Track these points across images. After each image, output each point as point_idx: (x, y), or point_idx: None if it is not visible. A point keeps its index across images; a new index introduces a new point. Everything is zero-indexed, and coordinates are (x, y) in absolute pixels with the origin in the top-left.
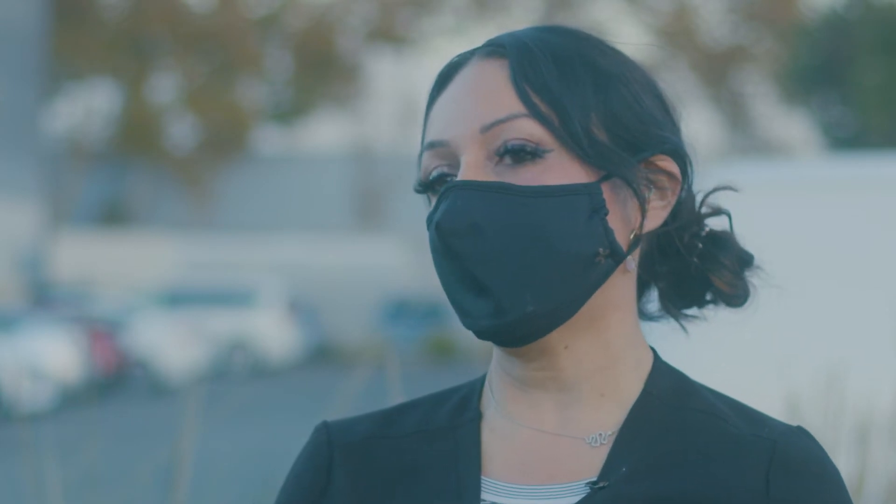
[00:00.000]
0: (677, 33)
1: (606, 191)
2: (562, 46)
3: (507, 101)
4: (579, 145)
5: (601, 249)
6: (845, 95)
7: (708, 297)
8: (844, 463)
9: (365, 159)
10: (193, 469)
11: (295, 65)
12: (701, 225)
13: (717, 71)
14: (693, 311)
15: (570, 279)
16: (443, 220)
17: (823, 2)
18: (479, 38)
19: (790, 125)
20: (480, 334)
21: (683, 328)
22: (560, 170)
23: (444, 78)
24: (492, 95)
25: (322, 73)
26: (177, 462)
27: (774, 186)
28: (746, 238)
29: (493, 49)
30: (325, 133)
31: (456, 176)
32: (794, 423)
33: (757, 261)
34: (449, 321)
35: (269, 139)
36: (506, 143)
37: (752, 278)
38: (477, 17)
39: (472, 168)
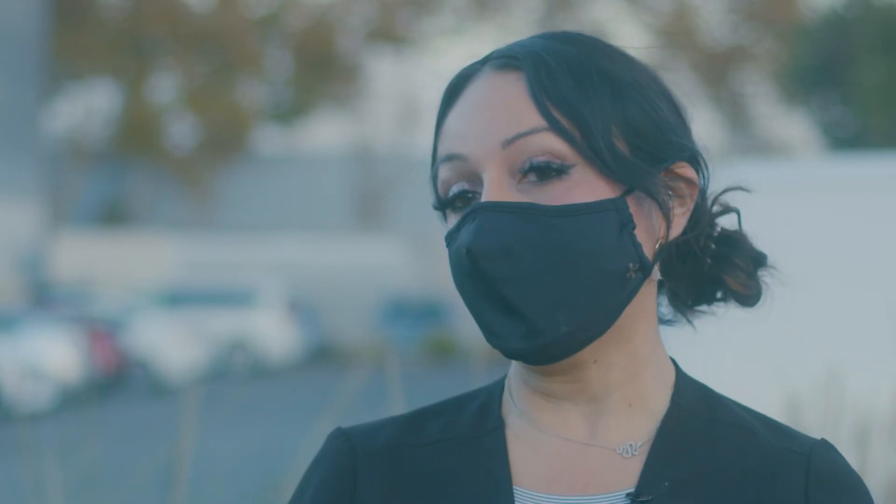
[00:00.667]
0: (677, 33)
1: (631, 204)
2: (576, 56)
3: (527, 115)
4: (603, 160)
5: (631, 264)
6: (845, 95)
7: (718, 294)
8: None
9: (365, 159)
10: (193, 469)
11: (295, 65)
12: (713, 225)
13: (717, 71)
14: (703, 307)
15: (603, 297)
16: (475, 243)
17: (823, 2)
18: (478, 38)
19: (790, 125)
20: (510, 354)
21: (692, 325)
22: (586, 186)
23: (455, 90)
24: (511, 109)
25: (322, 73)
26: (177, 462)
27: (774, 186)
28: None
29: (507, 61)
30: (325, 133)
31: (477, 192)
32: (796, 427)
33: (770, 260)
34: (448, 321)
35: (269, 139)
36: (531, 160)
37: (765, 277)
38: (477, 17)
39: (496, 187)
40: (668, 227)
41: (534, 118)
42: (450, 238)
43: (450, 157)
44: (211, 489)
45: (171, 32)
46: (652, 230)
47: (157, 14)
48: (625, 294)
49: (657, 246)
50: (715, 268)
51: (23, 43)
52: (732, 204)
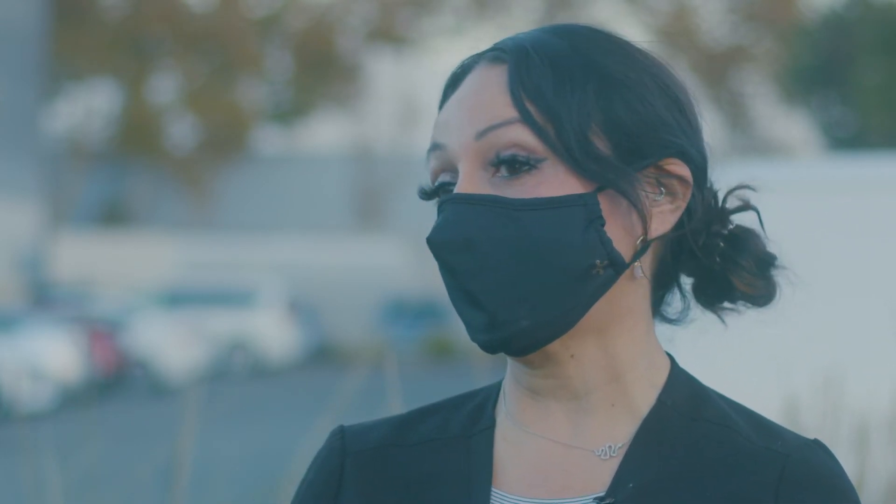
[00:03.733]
0: (677, 33)
1: (606, 200)
2: (563, 50)
3: (502, 107)
4: (572, 156)
5: (598, 261)
6: (845, 95)
7: (738, 293)
8: (843, 464)
9: (365, 159)
10: (193, 469)
11: (295, 65)
12: (724, 223)
13: (717, 71)
14: (726, 304)
15: (567, 292)
16: (434, 235)
17: (823, 2)
18: (479, 38)
19: (790, 125)
20: (481, 346)
21: (722, 320)
22: (555, 181)
23: (455, 80)
24: (488, 102)
25: (322, 73)
26: (177, 462)
27: (774, 186)
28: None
29: (497, 54)
30: (325, 133)
31: (455, 185)
32: (795, 427)
33: (780, 261)
34: (448, 321)
35: (269, 139)
36: (498, 154)
37: (778, 277)
38: (477, 17)
39: (468, 179)
40: (646, 225)
41: (507, 110)
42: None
43: (433, 147)
44: (211, 489)
45: (171, 32)
46: (630, 226)
47: (157, 14)
48: (592, 290)
49: (638, 243)
50: (722, 266)
51: (23, 43)
52: (752, 203)
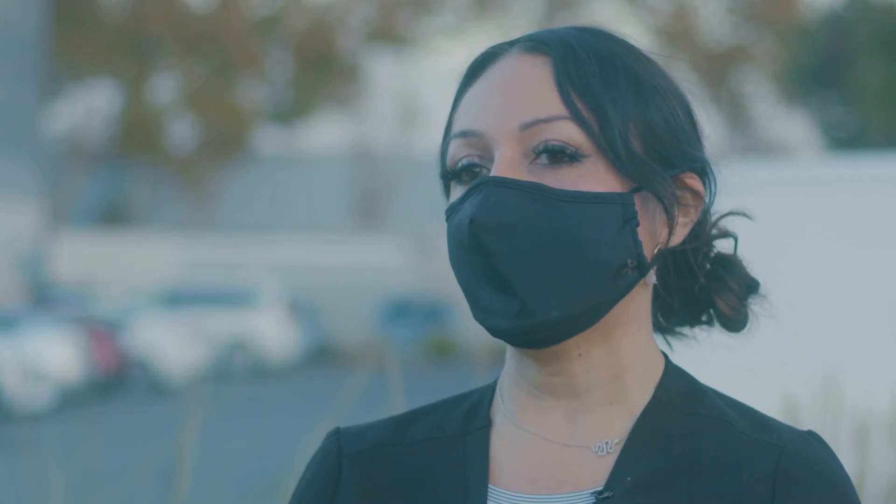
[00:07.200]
0: (677, 33)
1: (637, 203)
2: (605, 49)
3: (549, 101)
4: (616, 155)
5: (629, 261)
6: (845, 95)
7: (703, 318)
8: (842, 463)
9: (365, 159)
10: (194, 469)
11: (295, 65)
12: (710, 245)
13: (717, 71)
14: (685, 329)
15: (597, 288)
16: (478, 214)
17: (823, 2)
18: (478, 38)
19: (790, 125)
20: (497, 333)
21: (669, 344)
22: (595, 177)
23: (478, 67)
24: (533, 93)
25: (322, 74)
26: (177, 462)
27: (774, 186)
28: (745, 237)
29: (535, 45)
30: (325, 133)
31: (487, 168)
32: (794, 426)
33: (762, 289)
34: (449, 322)
35: (269, 139)
36: (546, 143)
37: (753, 305)
38: (477, 17)
39: (508, 164)
40: (671, 233)
41: (555, 105)
42: (451, 210)
43: (464, 134)
44: (211, 489)
45: (171, 33)
46: (654, 233)
47: (158, 14)
48: (618, 289)
49: (656, 250)
50: (707, 287)
51: (23, 43)
52: (731, 230)
